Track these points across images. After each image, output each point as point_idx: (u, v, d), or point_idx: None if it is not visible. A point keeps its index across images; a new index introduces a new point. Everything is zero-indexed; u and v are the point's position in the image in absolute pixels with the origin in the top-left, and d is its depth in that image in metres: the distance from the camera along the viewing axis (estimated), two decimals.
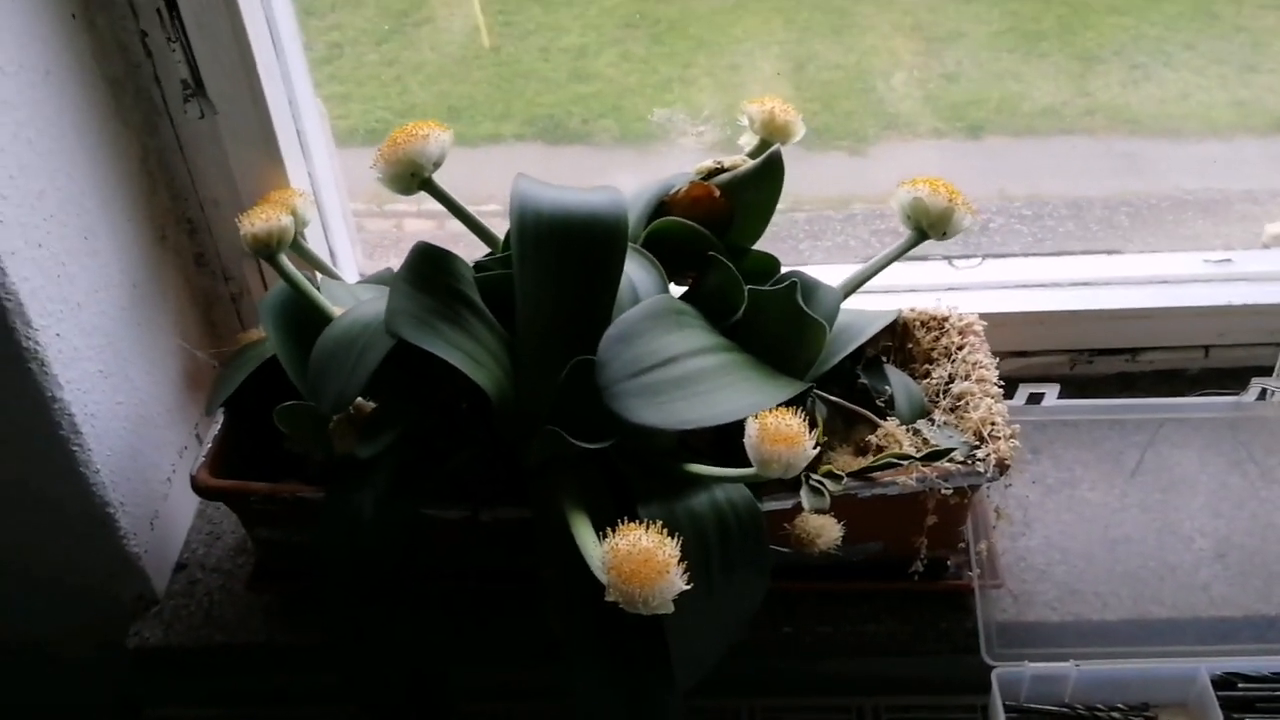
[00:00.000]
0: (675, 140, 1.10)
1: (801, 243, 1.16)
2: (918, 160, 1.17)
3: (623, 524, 0.62)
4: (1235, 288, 1.01)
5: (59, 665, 0.97)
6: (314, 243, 0.93)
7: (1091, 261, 1.05)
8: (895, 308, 0.90)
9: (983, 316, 0.88)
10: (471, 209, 0.81)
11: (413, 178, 0.77)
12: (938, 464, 0.78)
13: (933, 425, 0.82)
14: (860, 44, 1.12)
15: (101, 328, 0.83)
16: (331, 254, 1.01)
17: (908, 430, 0.81)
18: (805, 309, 0.76)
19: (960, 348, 0.87)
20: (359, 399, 0.76)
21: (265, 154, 0.91)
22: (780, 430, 0.65)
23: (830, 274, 0.84)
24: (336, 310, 0.78)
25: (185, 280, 0.96)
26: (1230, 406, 0.94)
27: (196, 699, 0.96)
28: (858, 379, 0.85)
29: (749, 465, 0.67)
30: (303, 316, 0.79)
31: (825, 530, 0.75)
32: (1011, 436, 0.79)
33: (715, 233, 0.81)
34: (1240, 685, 0.82)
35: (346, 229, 1.04)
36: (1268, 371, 0.94)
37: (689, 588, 0.61)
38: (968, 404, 0.82)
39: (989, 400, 0.82)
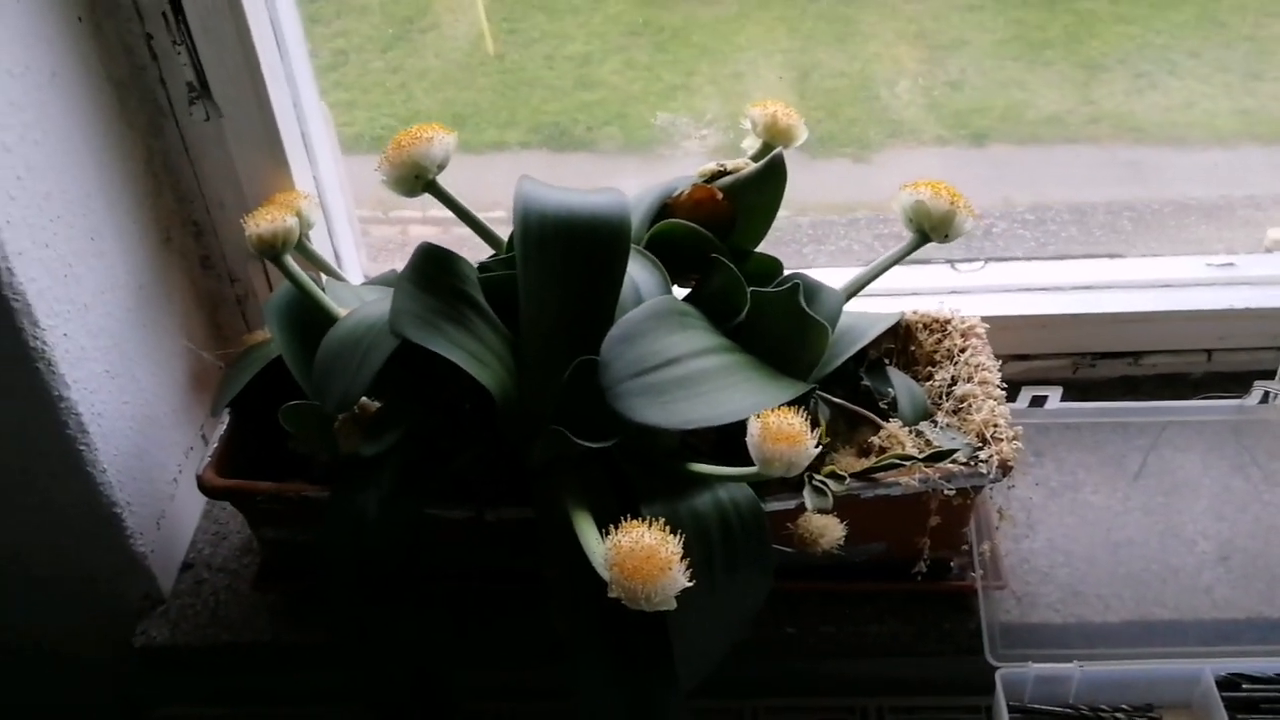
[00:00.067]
0: (678, 143, 1.10)
1: (805, 247, 1.16)
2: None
3: (625, 522, 0.63)
4: (1237, 291, 1.01)
5: (65, 664, 0.97)
6: (319, 245, 0.93)
7: (1094, 265, 1.05)
8: (898, 311, 0.90)
9: (985, 320, 0.89)
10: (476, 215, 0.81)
11: (417, 180, 0.77)
12: (940, 465, 0.78)
13: (935, 427, 0.82)
14: (864, 52, 1.12)
15: (108, 328, 0.83)
16: (336, 256, 1.01)
17: (910, 432, 0.82)
18: (807, 310, 0.76)
19: (963, 350, 0.87)
20: (364, 399, 0.76)
21: (270, 157, 0.91)
22: (782, 429, 0.65)
23: (833, 277, 0.84)
24: (341, 311, 0.79)
25: (191, 282, 0.96)
26: (1233, 409, 0.94)
27: (202, 698, 0.96)
28: (861, 381, 0.86)
29: (752, 465, 0.67)
30: (308, 317, 0.79)
31: (828, 530, 0.75)
32: (1014, 438, 0.79)
33: (718, 235, 0.81)
34: (1244, 686, 0.82)
35: (351, 232, 1.04)
36: (1270, 375, 0.94)
37: (691, 585, 0.61)
38: (970, 406, 0.82)
39: (991, 402, 0.82)
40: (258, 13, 0.86)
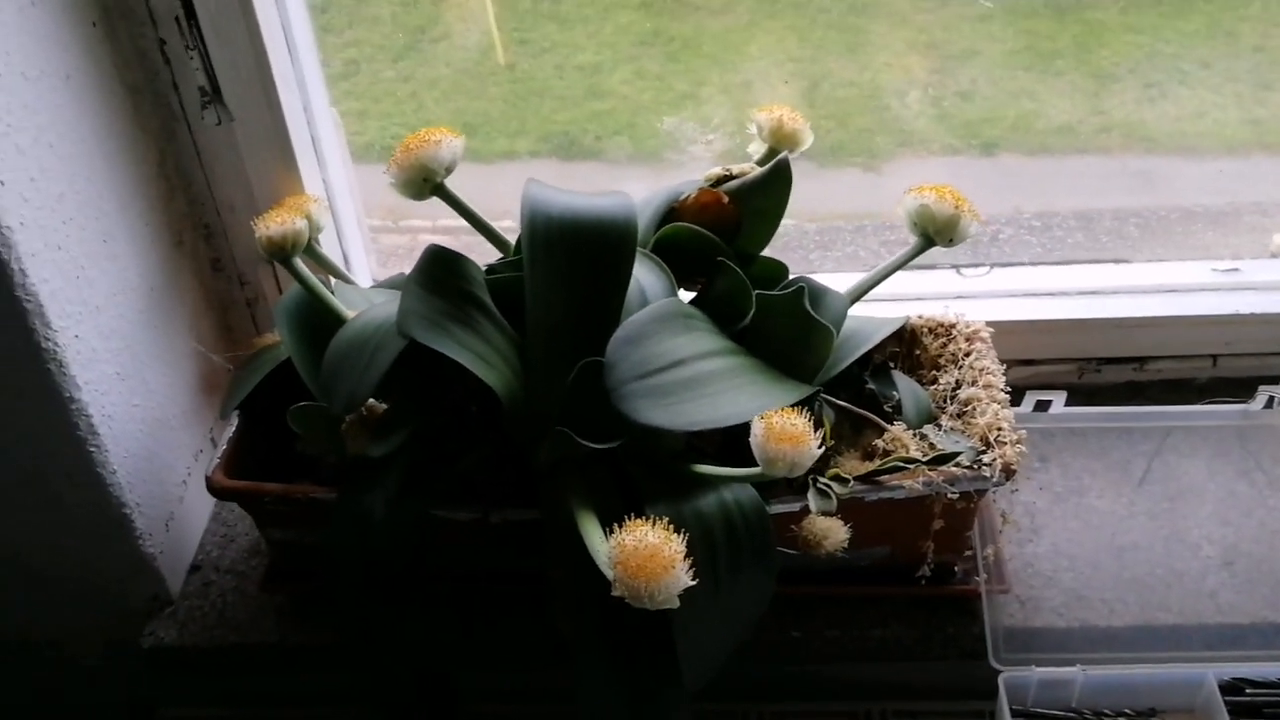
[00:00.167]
0: (686, 149, 1.10)
1: (812, 253, 1.16)
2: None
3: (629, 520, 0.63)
4: (1243, 297, 1.01)
5: (74, 664, 0.98)
6: (328, 249, 0.94)
7: (1099, 270, 1.05)
8: (903, 315, 0.90)
9: (991, 325, 0.89)
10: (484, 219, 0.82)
11: (425, 183, 0.78)
12: (944, 468, 0.78)
13: (939, 430, 0.83)
14: (874, 61, 1.12)
15: (119, 330, 0.84)
16: (346, 260, 1.02)
17: (914, 435, 0.82)
18: (812, 313, 0.76)
19: (967, 354, 0.87)
20: (371, 400, 0.77)
21: (281, 160, 0.92)
22: (785, 430, 0.66)
23: (838, 282, 0.85)
24: (350, 313, 0.79)
25: (201, 285, 0.97)
26: (1238, 414, 0.94)
27: (210, 699, 0.97)
28: (865, 384, 0.86)
29: (756, 467, 0.68)
30: (316, 319, 0.80)
31: (832, 532, 0.75)
32: (1018, 442, 0.79)
33: (724, 239, 0.82)
34: (1248, 691, 0.82)
35: (361, 236, 1.05)
36: (1276, 380, 0.94)
37: (695, 584, 0.62)
38: (974, 409, 0.83)
39: (995, 406, 0.82)
40: (269, 18, 0.87)
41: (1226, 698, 0.81)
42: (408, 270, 0.76)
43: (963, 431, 0.82)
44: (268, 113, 0.90)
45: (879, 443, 0.82)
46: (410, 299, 0.72)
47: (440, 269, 0.75)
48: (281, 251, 0.80)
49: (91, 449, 0.81)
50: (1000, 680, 0.82)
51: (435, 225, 1.16)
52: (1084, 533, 0.92)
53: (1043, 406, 0.91)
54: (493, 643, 0.87)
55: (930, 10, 1.09)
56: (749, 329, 0.80)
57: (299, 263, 0.81)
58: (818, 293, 0.82)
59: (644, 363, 0.71)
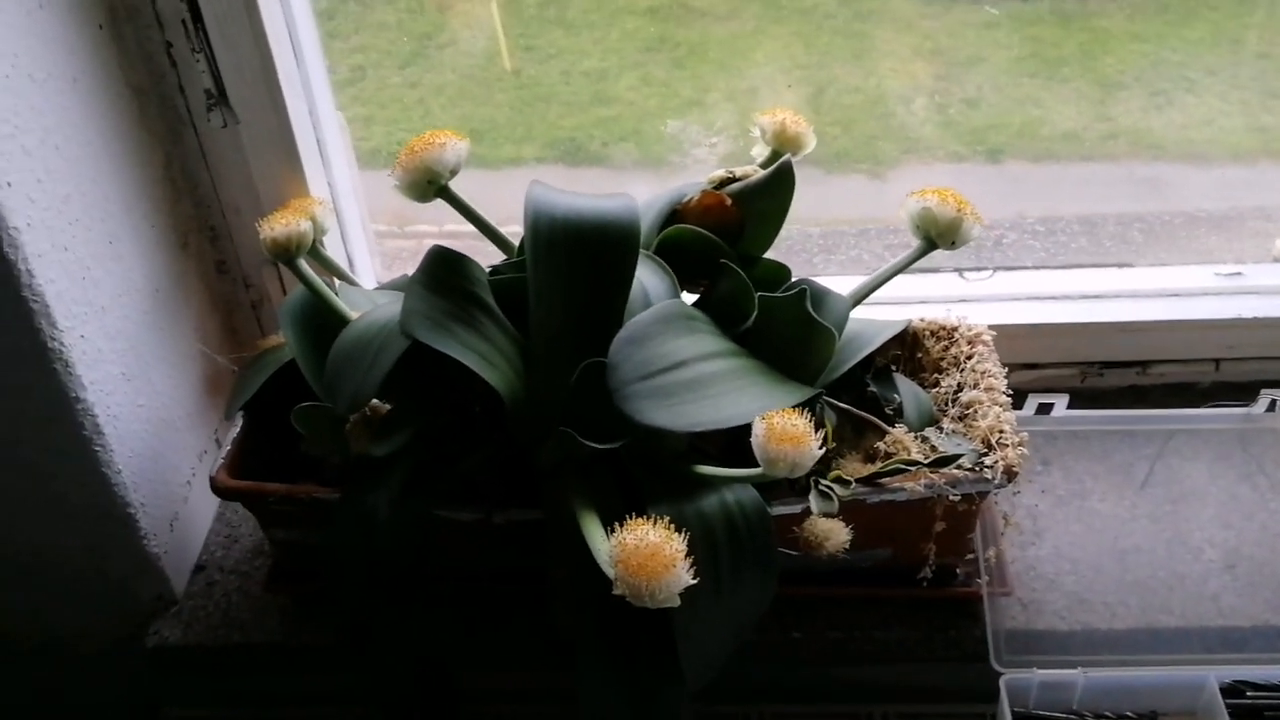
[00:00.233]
0: (690, 152, 1.11)
1: (815, 257, 1.17)
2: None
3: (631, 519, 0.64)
4: (1245, 301, 1.01)
5: (79, 663, 0.98)
6: (333, 252, 0.94)
7: (1102, 274, 1.05)
8: (905, 318, 0.91)
9: (993, 328, 0.89)
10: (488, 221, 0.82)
11: (429, 185, 0.78)
12: (946, 470, 0.78)
13: (941, 433, 0.83)
14: (880, 68, 1.12)
15: (125, 331, 0.84)
16: (350, 263, 1.03)
17: (916, 438, 0.82)
18: (814, 315, 0.77)
19: (969, 357, 0.87)
20: (374, 400, 0.77)
21: (286, 163, 0.92)
22: (787, 430, 0.66)
23: (841, 285, 0.85)
24: (354, 314, 0.79)
25: (206, 286, 0.97)
26: (1240, 418, 0.94)
27: (214, 699, 0.97)
28: (867, 387, 0.86)
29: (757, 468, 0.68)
30: (321, 320, 0.80)
31: (833, 533, 0.75)
32: (1020, 444, 0.79)
33: (727, 241, 0.82)
34: (1249, 694, 0.82)
35: (365, 239, 1.05)
36: (1278, 384, 0.94)
37: (696, 583, 0.62)
38: (976, 412, 0.83)
39: (997, 409, 0.82)
40: (275, 21, 0.87)
41: (1228, 700, 0.81)
42: (412, 272, 0.77)
43: (964, 434, 0.82)
44: (273, 115, 0.90)
45: (881, 445, 0.82)
46: (413, 299, 0.72)
47: (444, 270, 0.75)
48: (286, 253, 0.80)
49: (97, 449, 0.82)
50: (1002, 682, 0.82)
51: (441, 230, 1.16)
52: (1086, 535, 0.92)
53: (1045, 410, 0.91)
54: (495, 643, 0.87)
55: (935, 17, 1.10)
56: (751, 331, 0.80)
57: (303, 264, 0.81)
58: (820, 295, 0.82)
59: (646, 364, 0.71)
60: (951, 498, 0.78)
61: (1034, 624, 0.86)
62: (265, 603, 0.91)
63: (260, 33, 0.86)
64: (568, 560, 0.72)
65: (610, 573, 0.62)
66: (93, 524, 0.86)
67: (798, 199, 0.82)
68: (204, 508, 0.97)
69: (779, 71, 1.12)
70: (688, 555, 0.62)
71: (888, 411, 0.85)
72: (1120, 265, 1.07)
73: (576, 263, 0.74)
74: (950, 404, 0.86)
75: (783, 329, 0.79)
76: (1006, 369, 0.86)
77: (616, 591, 0.62)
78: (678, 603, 0.61)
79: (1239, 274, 1.03)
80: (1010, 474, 0.78)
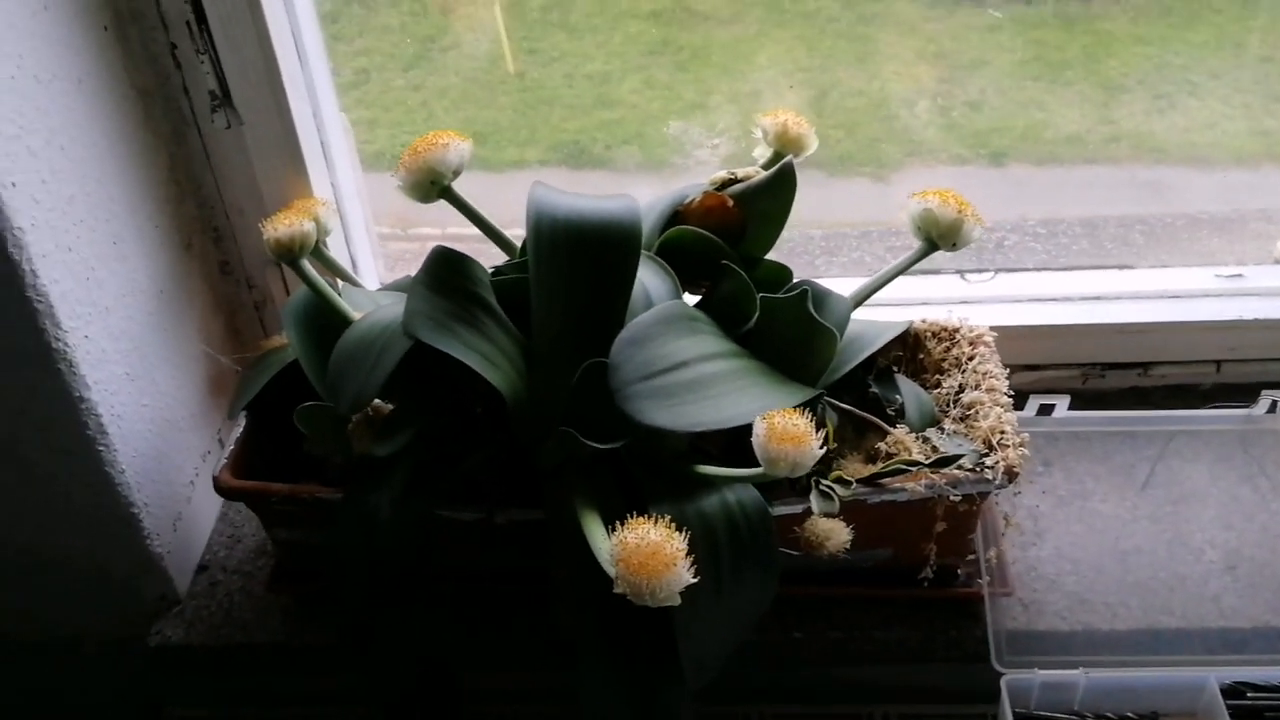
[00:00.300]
0: (692, 153, 1.11)
1: (817, 259, 1.17)
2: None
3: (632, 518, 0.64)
4: (1246, 302, 1.01)
5: (81, 663, 0.99)
6: (336, 254, 0.94)
7: (1103, 276, 1.06)
8: (907, 319, 0.91)
9: (995, 330, 0.89)
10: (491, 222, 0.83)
11: (432, 185, 0.79)
12: (946, 470, 0.78)
13: (942, 434, 0.83)
14: (883, 71, 1.12)
15: (129, 332, 0.85)
16: (353, 264, 1.03)
17: (917, 438, 0.82)
18: (816, 316, 0.77)
19: (970, 358, 0.87)
20: (377, 400, 0.77)
21: (290, 164, 0.93)
22: (787, 430, 0.66)
23: (843, 287, 0.85)
24: (357, 315, 0.80)
25: (210, 287, 0.98)
26: (1241, 419, 0.94)
27: (216, 698, 0.98)
28: (869, 388, 0.86)
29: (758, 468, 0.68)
30: (324, 321, 0.81)
31: (834, 533, 0.76)
32: (1021, 445, 0.80)
33: (728, 242, 0.83)
34: (1249, 695, 0.82)
35: (369, 240, 1.06)
36: (1279, 385, 0.94)
37: (696, 581, 0.62)
38: (977, 413, 0.83)
39: (998, 409, 0.82)
40: (279, 23, 0.88)
41: (1228, 701, 0.81)
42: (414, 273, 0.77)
43: (965, 435, 0.82)
44: (277, 117, 0.90)
45: (882, 445, 0.82)
46: (416, 300, 0.73)
47: (446, 270, 0.76)
48: (289, 253, 0.81)
49: (100, 448, 0.82)
50: (1003, 683, 0.82)
51: (444, 233, 1.16)
52: (1087, 536, 0.92)
53: (1046, 411, 0.92)
54: (496, 643, 0.87)
55: (939, 20, 1.09)
56: (753, 332, 0.80)
57: (306, 265, 0.81)
58: (821, 296, 0.82)
59: (648, 364, 0.71)
60: (952, 498, 0.79)
61: (1035, 624, 0.87)
62: (268, 603, 0.91)
63: (264, 34, 0.87)
64: (569, 560, 0.72)
65: (611, 571, 0.63)
66: (96, 524, 0.86)
67: (801, 202, 0.83)
68: (207, 508, 0.97)
69: (782, 75, 1.12)
70: (688, 554, 0.62)
71: (889, 412, 0.85)
72: (1121, 267, 1.07)
73: (578, 263, 0.74)
74: (952, 405, 0.86)
75: (784, 330, 0.79)
76: (1008, 370, 0.86)
77: (617, 590, 0.62)
78: (678, 601, 0.62)
79: (1240, 276, 1.04)
80: (1011, 474, 0.78)
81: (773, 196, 0.83)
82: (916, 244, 0.83)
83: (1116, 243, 1.16)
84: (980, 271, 1.05)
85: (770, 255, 0.85)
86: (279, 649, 0.89)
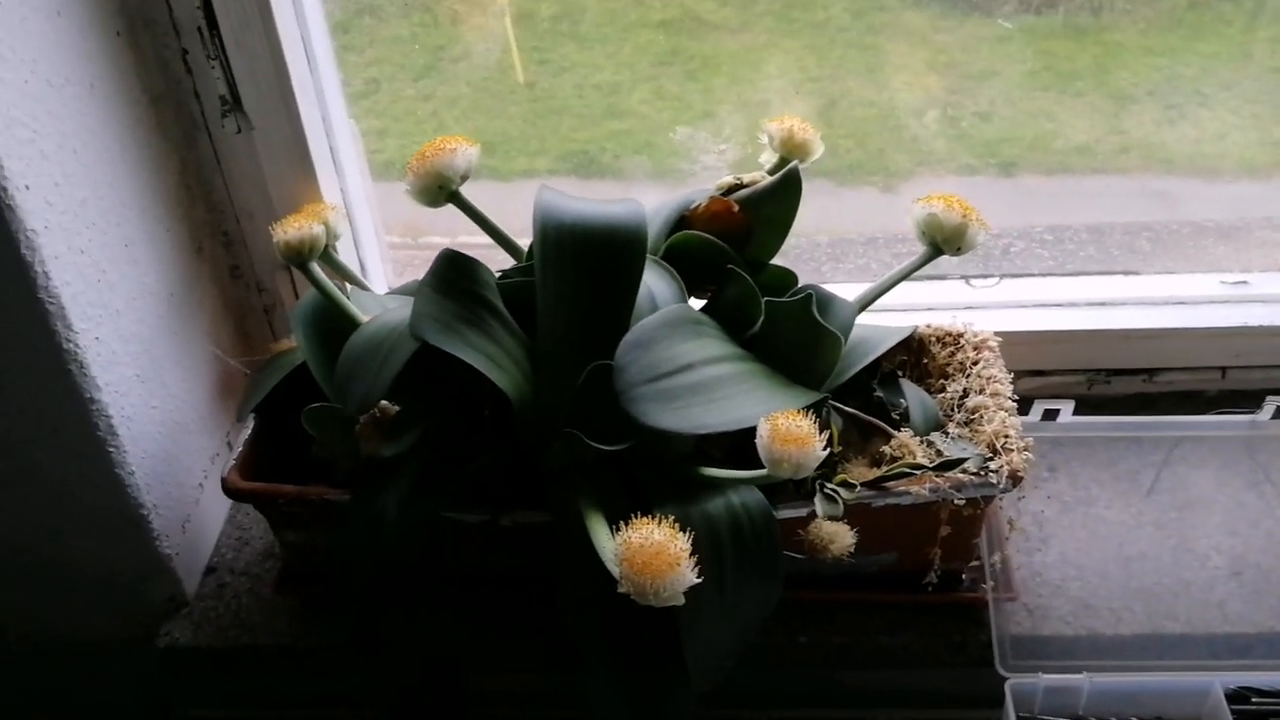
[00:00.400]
0: (699, 159, 1.11)
1: (824, 265, 1.17)
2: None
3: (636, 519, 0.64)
4: (1251, 309, 1.02)
5: (89, 664, 0.99)
6: (345, 258, 0.95)
7: (1109, 282, 1.06)
8: (912, 324, 0.91)
9: (1000, 335, 0.89)
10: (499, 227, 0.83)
11: (440, 190, 0.79)
12: (951, 474, 0.79)
13: (947, 438, 0.83)
14: (893, 81, 1.12)
15: (139, 334, 0.85)
16: (362, 268, 1.04)
17: (922, 442, 0.83)
18: (820, 320, 0.77)
19: (975, 363, 0.88)
20: (384, 403, 0.78)
21: (299, 169, 0.93)
22: (791, 431, 0.67)
23: (848, 292, 0.85)
24: (364, 318, 0.80)
25: (220, 291, 0.98)
26: (1246, 425, 0.94)
27: (224, 700, 0.98)
28: (873, 392, 0.87)
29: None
30: (332, 323, 0.81)
31: (838, 537, 0.76)
32: (1025, 449, 0.80)
33: (734, 247, 0.83)
34: (1254, 700, 0.82)
35: (378, 245, 1.06)
36: None
37: (700, 582, 0.63)
38: (981, 417, 0.83)
39: (1002, 414, 0.83)
40: (289, 29, 0.89)
41: (1233, 707, 0.81)
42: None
43: (970, 439, 0.83)
44: (287, 122, 0.91)
45: (886, 449, 0.82)
46: (423, 302, 0.73)
47: (454, 273, 0.76)
48: (298, 256, 0.81)
49: (111, 450, 0.82)
50: (1007, 687, 0.82)
51: (454, 242, 1.16)
52: (1092, 542, 0.92)
53: (1051, 416, 0.92)
54: (501, 645, 0.87)
55: (949, 31, 1.10)
56: (758, 336, 0.81)
57: (315, 268, 0.82)
58: (826, 300, 0.83)
59: (653, 367, 0.72)
60: (956, 502, 0.79)
61: (1039, 629, 0.87)
62: (275, 605, 0.92)
63: (275, 40, 0.87)
64: (574, 561, 0.72)
65: (615, 571, 0.63)
66: (105, 525, 0.87)
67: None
68: (215, 510, 0.98)
69: (791, 84, 1.12)
70: (692, 555, 0.63)
71: (893, 416, 0.85)
72: (1127, 273, 1.08)
73: (584, 266, 0.75)
74: (956, 409, 0.86)
75: (789, 334, 0.79)
76: (1013, 375, 0.86)
77: (621, 590, 0.62)
78: (682, 602, 0.62)
79: (1245, 282, 1.04)
80: (1015, 478, 0.79)
81: (778, 202, 0.83)
82: (921, 249, 0.84)
83: (1123, 250, 1.16)
84: (986, 277, 1.06)
85: (776, 261, 0.86)
86: (286, 651, 0.90)
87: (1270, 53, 1.09)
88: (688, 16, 1.13)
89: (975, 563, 0.86)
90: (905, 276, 0.84)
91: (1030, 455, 0.79)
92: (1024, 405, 0.86)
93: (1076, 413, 0.92)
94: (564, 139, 1.15)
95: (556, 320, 0.75)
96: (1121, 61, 1.11)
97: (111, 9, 0.82)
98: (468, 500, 0.79)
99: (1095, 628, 0.87)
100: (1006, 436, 0.81)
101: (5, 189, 0.70)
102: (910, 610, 0.87)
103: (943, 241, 0.82)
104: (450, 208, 0.81)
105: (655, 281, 0.80)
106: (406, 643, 0.79)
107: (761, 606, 0.72)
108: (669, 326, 0.75)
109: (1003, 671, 0.83)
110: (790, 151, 0.86)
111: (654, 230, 0.84)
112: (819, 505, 0.75)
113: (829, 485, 0.77)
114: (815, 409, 0.76)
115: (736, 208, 0.84)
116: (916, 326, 0.91)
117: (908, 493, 0.78)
